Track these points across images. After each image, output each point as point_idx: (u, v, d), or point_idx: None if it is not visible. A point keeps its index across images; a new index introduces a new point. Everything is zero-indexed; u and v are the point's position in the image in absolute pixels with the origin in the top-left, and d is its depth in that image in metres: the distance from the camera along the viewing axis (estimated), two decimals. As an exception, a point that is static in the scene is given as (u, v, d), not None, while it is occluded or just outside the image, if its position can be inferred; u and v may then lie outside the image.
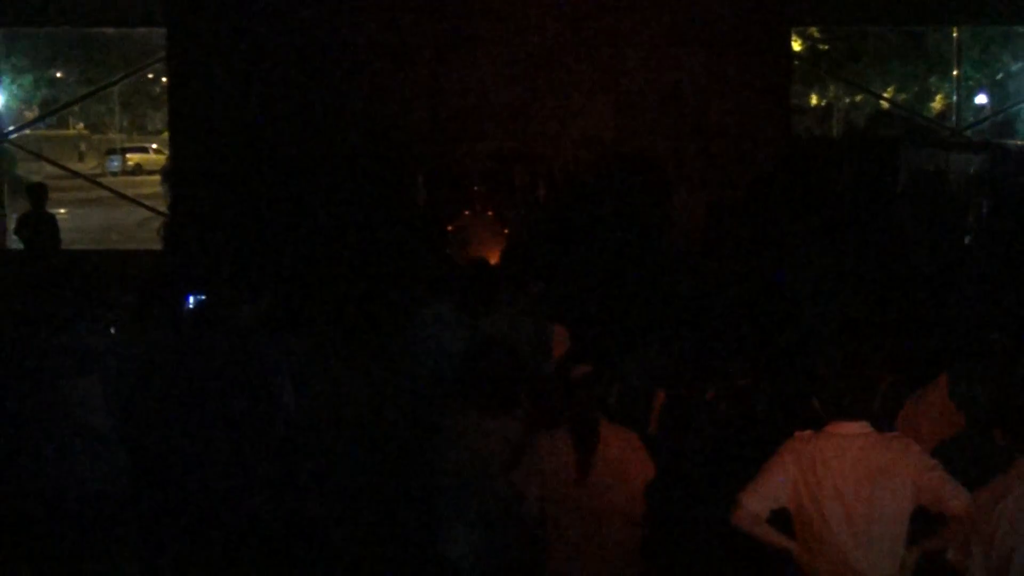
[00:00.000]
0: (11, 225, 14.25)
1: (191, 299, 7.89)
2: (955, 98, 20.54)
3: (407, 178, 11.94)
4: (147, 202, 18.38)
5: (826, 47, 25.62)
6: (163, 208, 15.27)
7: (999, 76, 24.94)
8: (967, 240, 12.31)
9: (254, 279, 8.42)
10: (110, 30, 21.36)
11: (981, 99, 25.08)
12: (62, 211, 27.35)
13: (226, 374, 6.28)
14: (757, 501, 4.85)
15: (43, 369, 6.20)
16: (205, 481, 6.03)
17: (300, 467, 6.13)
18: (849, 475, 4.79)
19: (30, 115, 27.12)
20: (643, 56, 12.46)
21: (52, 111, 28.11)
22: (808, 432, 4.94)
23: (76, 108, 35.07)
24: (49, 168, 22.84)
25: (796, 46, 22.66)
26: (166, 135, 17.05)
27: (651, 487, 5.45)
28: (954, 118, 20.02)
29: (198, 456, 6.06)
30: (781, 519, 4.92)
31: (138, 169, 37.16)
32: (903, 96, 26.53)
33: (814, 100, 30.39)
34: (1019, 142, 21.11)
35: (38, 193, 13.56)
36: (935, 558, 4.87)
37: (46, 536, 5.93)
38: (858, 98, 28.64)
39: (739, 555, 5.26)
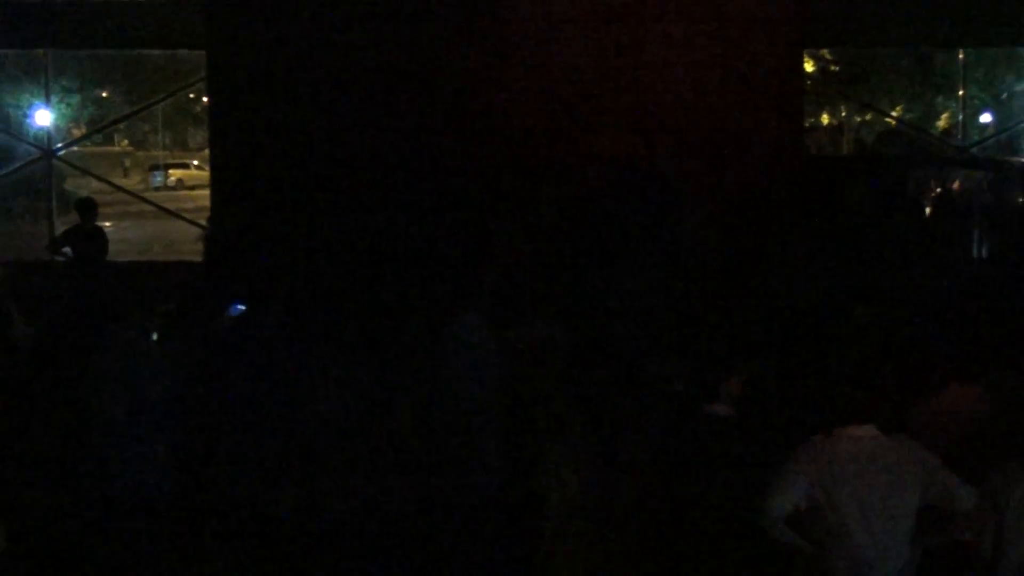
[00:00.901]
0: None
1: (235, 309, 7.88)
2: (961, 117, 20.52)
3: (440, 193, 11.95)
4: (189, 216, 18.44)
5: (837, 68, 25.60)
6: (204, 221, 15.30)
7: (1003, 96, 24.85)
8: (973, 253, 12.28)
9: (292, 290, 8.43)
10: (154, 52, 21.48)
11: (986, 118, 24.98)
12: (107, 224, 27.49)
13: (261, 382, 6.26)
14: (777, 503, 4.89)
15: (86, 376, 6.20)
16: (244, 485, 6.00)
17: (331, 473, 6.09)
18: (863, 476, 4.88)
19: (78, 132, 27.25)
20: (662, 76, 12.43)
21: (98, 129, 28.27)
22: (821, 436, 4.99)
23: (121, 126, 35.18)
24: (95, 183, 22.95)
25: (808, 67, 22.63)
26: (207, 152, 17.13)
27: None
28: (960, 136, 19.98)
29: (238, 461, 6.04)
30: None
31: (180, 184, 37.36)
32: (911, 115, 26.47)
33: (825, 119, 30.34)
34: (1022, 159, 21.04)
35: (86, 207, 13.60)
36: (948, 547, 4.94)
37: (88, 541, 5.92)
38: (868, 117, 28.57)
39: (750, 554, 5.27)
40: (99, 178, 22.56)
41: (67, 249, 13.30)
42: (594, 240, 11.42)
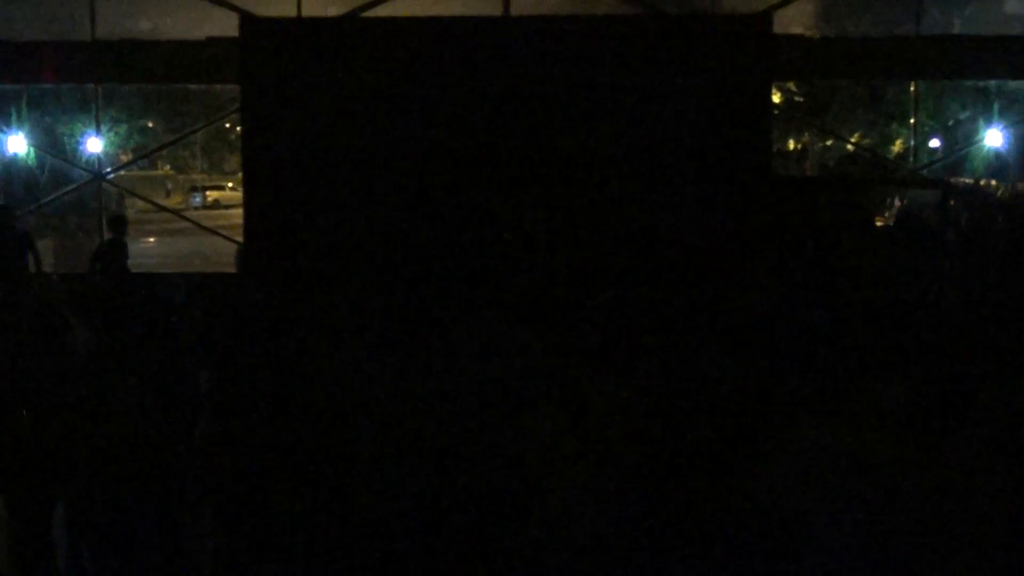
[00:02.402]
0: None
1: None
2: (912, 142, 20.50)
3: (459, 207, 12.00)
4: (225, 232, 18.44)
5: (802, 99, 25.64)
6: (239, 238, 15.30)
7: (950, 123, 24.91)
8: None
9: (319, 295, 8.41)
10: (193, 86, 21.55)
11: (935, 143, 25.04)
12: (151, 240, 27.61)
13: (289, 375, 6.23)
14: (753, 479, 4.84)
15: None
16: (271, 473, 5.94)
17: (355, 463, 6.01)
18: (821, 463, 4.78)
19: (125, 158, 27.30)
20: (646, 107, 12.45)
21: (143, 155, 28.31)
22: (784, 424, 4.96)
23: (164, 152, 35.28)
24: (140, 203, 23.03)
25: (776, 98, 22.63)
26: (240, 175, 17.15)
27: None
28: (912, 159, 19.99)
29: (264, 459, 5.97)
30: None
31: (216, 204, 37.42)
32: (868, 140, 26.48)
33: (791, 144, 30.39)
34: (967, 180, 21.09)
35: (117, 224, 13.56)
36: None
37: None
38: (829, 142, 28.62)
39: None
40: (144, 199, 22.61)
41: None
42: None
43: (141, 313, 7.58)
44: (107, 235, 13.91)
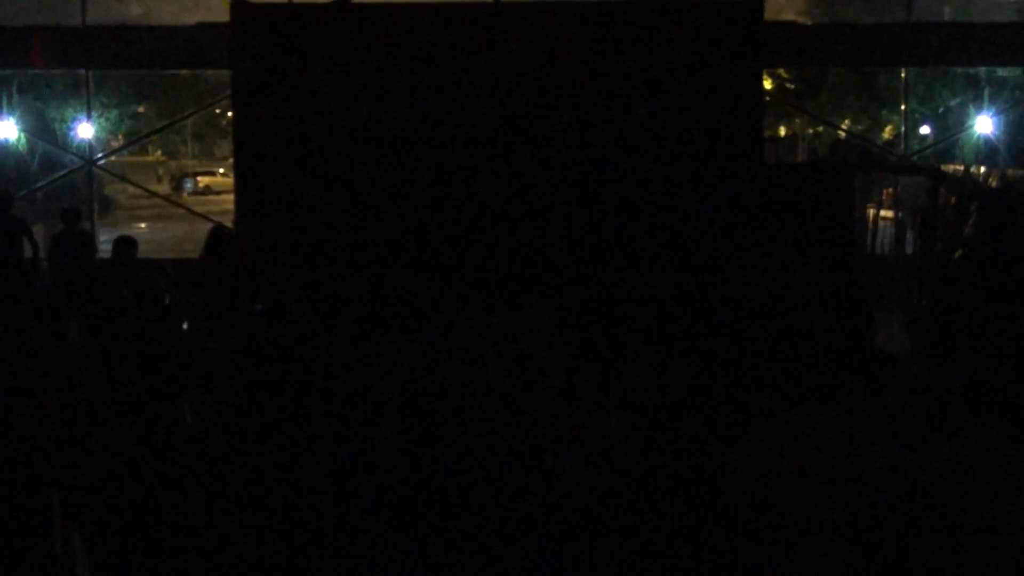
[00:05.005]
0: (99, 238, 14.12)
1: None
2: (903, 129, 20.54)
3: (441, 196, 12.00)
4: (216, 218, 18.44)
5: (793, 85, 25.65)
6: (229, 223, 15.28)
7: (940, 110, 24.94)
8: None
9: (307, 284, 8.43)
10: (184, 72, 21.50)
11: (925, 129, 25.07)
12: (142, 225, 27.60)
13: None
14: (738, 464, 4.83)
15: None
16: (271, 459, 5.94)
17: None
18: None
19: (116, 144, 27.21)
20: (640, 93, 12.46)
21: (135, 140, 28.20)
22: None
23: (155, 138, 35.15)
24: (132, 189, 22.94)
25: (767, 84, 22.66)
26: (231, 160, 17.14)
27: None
28: (902, 146, 20.03)
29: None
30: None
31: (207, 190, 37.43)
32: (858, 127, 26.51)
33: (782, 131, 30.41)
34: (957, 166, 21.07)
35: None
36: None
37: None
38: (820, 129, 28.64)
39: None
40: (135, 184, 22.54)
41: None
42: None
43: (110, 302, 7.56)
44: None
